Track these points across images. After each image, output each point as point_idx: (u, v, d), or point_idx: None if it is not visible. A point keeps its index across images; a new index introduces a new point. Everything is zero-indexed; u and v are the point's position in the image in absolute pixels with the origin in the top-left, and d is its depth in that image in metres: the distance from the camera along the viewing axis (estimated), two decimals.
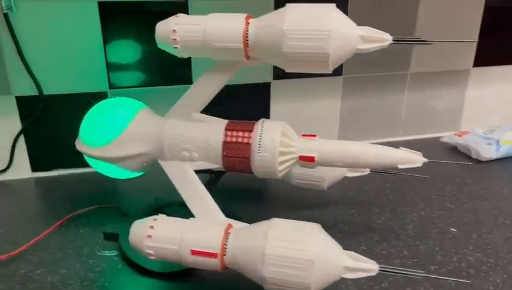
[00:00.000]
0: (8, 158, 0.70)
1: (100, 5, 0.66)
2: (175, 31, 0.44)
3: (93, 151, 0.49)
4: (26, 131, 0.70)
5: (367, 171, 0.58)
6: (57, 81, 0.68)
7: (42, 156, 0.72)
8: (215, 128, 0.48)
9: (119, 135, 0.48)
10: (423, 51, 0.83)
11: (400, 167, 0.46)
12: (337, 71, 0.81)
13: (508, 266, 0.51)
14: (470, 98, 0.90)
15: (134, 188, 0.68)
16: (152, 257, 0.42)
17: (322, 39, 0.40)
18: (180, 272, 0.47)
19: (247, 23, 0.43)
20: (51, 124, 0.70)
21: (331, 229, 0.55)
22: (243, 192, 0.68)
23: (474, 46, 0.86)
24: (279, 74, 0.77)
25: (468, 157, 0.80)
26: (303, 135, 0.47)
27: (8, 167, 0.71)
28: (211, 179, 0.51)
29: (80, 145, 0.51)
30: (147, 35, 0.69)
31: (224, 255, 0.40)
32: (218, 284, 0.47)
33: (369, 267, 0.38)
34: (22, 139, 0.70)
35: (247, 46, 0.43)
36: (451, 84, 0.88)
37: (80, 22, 0.66)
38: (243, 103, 0.78)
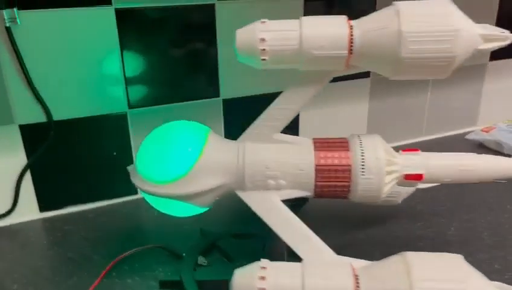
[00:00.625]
0: (11, 199, 0.59)
1: (118, 13, 0.56)
2: (264, 40, 0.37)
3: (159, 189, 0.41)
4: (32, 165, 0.59)
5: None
6: (68, 104, 0.58)
7: (51, 192, 0.61)
8: (304, 150, 0.41)
9: (191, 169, 0.40)
10: None
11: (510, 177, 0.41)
12: (366, 73, 0.76)
13: None
14: (487, 92, 0.89)
15: (167, 220, 0.59)
16: None
17: (448, 40, 0.35)
18: None
19: (351, 27, 0.37)
20: (61, 155, 0.60)
21: (409, 246, 0.50)
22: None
23: None
24: None
25: (499, 152, 0.78)
26: (404, 150, 0.42)
27: (12, 209, 0.60)
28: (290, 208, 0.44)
29: (140, 181, 0.42)
30: (171, 45, 0.61)
31: None
32: None
33: None
34: (28, 174, 0.59)
35: (351, 53, 0.37)
36: (468, 79, 0.87)
37: (94, 32, 0.56)
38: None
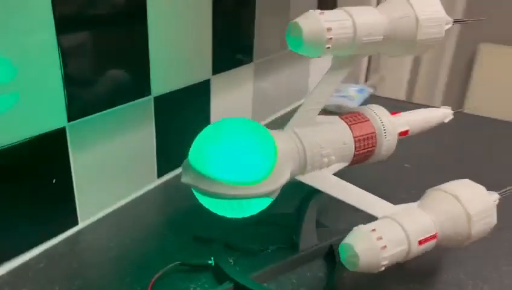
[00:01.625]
0: None
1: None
2: (330, 29, 0.40)
3: (247, 191, 0.39)
4: None
5: None
6: None
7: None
8: (341, 126, 0.47)
9: (275, 165, 0.40)
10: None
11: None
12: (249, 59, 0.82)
13: None
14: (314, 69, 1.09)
15: (155, 233, 0.54)
16: (383, 268, 0.40)
17: (441, 25, 0.46)
18: None
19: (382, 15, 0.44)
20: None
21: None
22: None
23: None
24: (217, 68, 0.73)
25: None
26: (393, 113, 0.53)
27: None
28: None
29: (219, 187, 0.38)
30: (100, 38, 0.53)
31: (437, 232, 0.43)
32: None
33: None
34: None
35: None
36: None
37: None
38: (184, 106, 0.70)
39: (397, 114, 0.53)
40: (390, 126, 0.49)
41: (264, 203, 0.42)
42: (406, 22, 0.45)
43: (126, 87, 0.57)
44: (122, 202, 0.61)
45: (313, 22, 0.40)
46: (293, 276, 0.49)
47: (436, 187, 0.46)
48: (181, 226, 0.57)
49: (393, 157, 0.54)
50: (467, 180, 0.47)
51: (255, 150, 0.39)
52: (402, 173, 0.71)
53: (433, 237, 0.42)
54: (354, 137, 0.47)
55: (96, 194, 0.57)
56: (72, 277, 0.46)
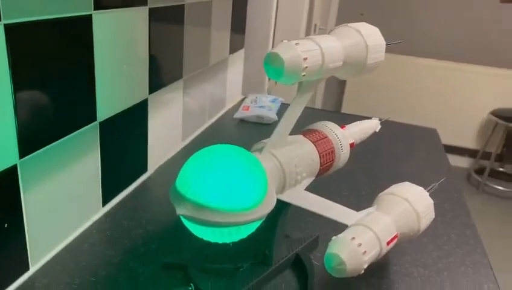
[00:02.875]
0: None
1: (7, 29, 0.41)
2: (306, 59, 0.43)
3: (247, 217, 0.40)
4: None
5: None
6: None
7: None
8: (307, 144, 0.50)
9: (268, 190, 0.42)
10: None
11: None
12: (179, 75, 0.82)
13: None
14: (230, 79, 1.12)
15: (120, 266, 0.51)
16: (363, 271, 0.45)
17: (381, 51, 0.53)
18: None
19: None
20: None
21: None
22: None
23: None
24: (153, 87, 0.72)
25: (260, 123, 1.04)
26: (342, 127, 0.58)
27: None
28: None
29: (214, 215, 0.39)
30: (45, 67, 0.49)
31: (397, 232, 0.49)
32: None
33: None
34: None
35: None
36: (216, 71, 1.06)
37: None
38: (124, 128, 0.67)
39: (344, 127, 0.59)
40: (344, 140, 0.54)
41: (255, 225, 0.43)
42: (357, 48, 0.50)
43: (74, 116, 0.53)
44: (74, 236, 0.57)
45: (292, 53, 0.43)
46: (271, 289, 0.52)
47: (387, 192, 0.52)
48: (145, 254, 0.55)
49: None
50: (407, 183, 0.55)
51: (251, 177, 0.41)
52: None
53: (396, 236, 0.48)
54: (320, 153, 0.51)
55: (46, 232, 0.52)
56: None
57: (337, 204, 0.50)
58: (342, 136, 0.54)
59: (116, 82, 0.60)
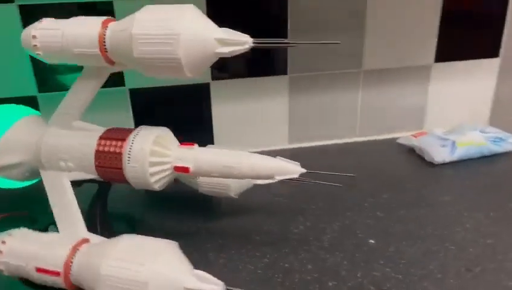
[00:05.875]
0: None
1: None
2: (35, 37, 0.42)
3: None
4: None
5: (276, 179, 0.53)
6: None
7: None
8: (91, 137, 0.46)
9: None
10: (374, 47, 0.79)
11: (277, 177, 0.42)
12: (282, 70, 0.77)
13: (416, 284, 0.47)
14: (434, 95, 0.85)
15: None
16: (4, 273, 0.41)
17: (170, 43, 0.37)
18: None
19: (105, 27, 0.41)
20: None
21: (240, 238, 0.54)
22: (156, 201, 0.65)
23: (435, 40, 0.81)
24: (218, 74, 0.75)
25: (424, 159, 0.75)
26: (182, 144, 0.45)
27: None
28: (99, 191, 0.50)
29: None
30: None
31: (70, 273, 0.38)
32: None
33: (211, 288, 0.35)
34: None
35: (106, 52, 0.41)
36: (411, 80, 0.83)
37: None
38: (182, 106, 0.75)
39: (189, 146, 0.44)
40: (138, 153, 0.42)
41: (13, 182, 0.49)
42: (122, 37, 0.39)
43: None
44: None
45: (28, 29, 0.43)
46: None
47: None
48: None
49: None
50: None
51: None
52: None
53: (55, 273, 0.38)
54: (95, 151, 0.44)
55: None
56: None
57: (79, 214, 0.44)
58: (140, 149, 0.43)
59: None
